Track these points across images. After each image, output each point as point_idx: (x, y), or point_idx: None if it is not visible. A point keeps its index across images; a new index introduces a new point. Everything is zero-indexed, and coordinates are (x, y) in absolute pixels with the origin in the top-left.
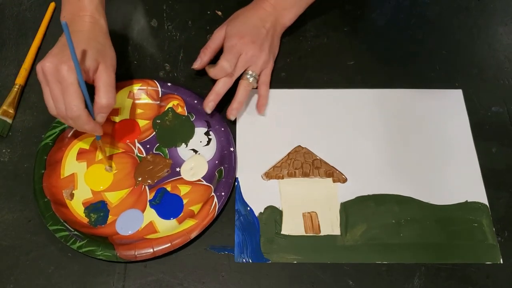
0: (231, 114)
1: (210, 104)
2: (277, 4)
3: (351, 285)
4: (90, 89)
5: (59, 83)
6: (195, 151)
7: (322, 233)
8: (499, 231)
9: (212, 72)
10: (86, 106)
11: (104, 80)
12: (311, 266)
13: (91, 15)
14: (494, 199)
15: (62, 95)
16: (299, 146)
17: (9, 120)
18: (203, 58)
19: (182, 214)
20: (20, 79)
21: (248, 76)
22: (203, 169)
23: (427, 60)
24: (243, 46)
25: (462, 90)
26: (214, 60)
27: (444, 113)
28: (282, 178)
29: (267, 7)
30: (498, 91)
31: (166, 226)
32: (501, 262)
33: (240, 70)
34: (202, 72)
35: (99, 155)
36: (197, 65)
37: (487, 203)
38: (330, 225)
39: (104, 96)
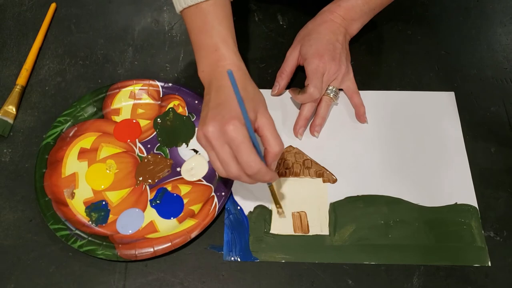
0: (315, 130)
1: (301, 130)
2: (346, 15)
3: (350, 284)
4: None
5: (226, 145)
6: (196, 151)
7: (310, 233)
8: (498, 230)
9: (300, 98)
10: None
11: (269, 127)
12: (311, 265)
13: (232, 63)
14: (492, 198)
15: (232, 156)
16: (290, 146)
17: (10, 120)
18: (280, 83)
19: (182, 213)
20: (21, 80)
21: (329, 91)
22: (203, 169)
23: (426, 60)
24: (325, 66)
25: (461, 90)
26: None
27: (436, 115)
28: None
29: (337, 19)
30: (497, 91)
31: (167, 226)
32: (489, 264)
33: (325, 89)
34: None
35: (100, 155)
36: (275, 91)
37: (476, 206)
38: (319, 225)
39: (275, 144)
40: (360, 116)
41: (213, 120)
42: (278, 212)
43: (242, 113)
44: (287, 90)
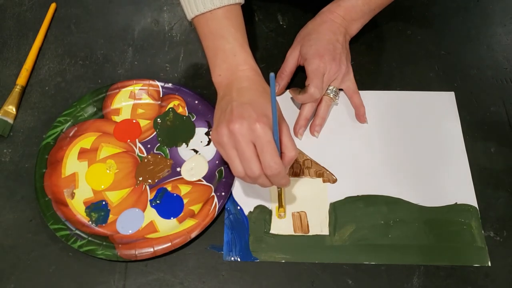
0: (315, 130)
1: (301, 130)
2: (346, 15)
3: (350, 284)
4: None
5: (252, 143)
6: (196, 151)
7: (310, 233)
8: (498, 230)
9: (301, 98)
10: None
11: (286, 132)
12: (311, 265)
13: (251, 68)
14: (493, 198)
15: (256, 155)
16: None
17: (10, 120)
18: (280, 83)
19: (182, 213)
20: (21, 80)
21: (329, 92)
22: (203, 169)
23: (426, 61)
24: (325, 66)
25: (461, 90)
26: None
27: (436, 115)
28: None
29: (337, 19)
30: (497, 91)
31: (167, 226)
32: (489, 264)
33: (325, 89)
34: (203, 73)
35: (100, 155)
36: (276, 91)
37: (476, 206)
38: (319, 225)
39: (292, 148)
40: (360, 117)
41: (241, 117)
42: (279, 215)
43: (273, 115)
44: (287, 90)
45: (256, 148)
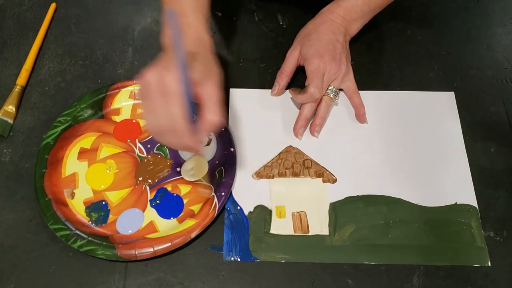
0: (315, 130)
1: (301, 130)
2: (346, 15)
3: (350, 284)
4: None
5: (161, 94)
6: None
7: (310, 233)
8: (498, 230)
9: (301, 98)
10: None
11: (214, 96)
12: (311, 265)
13: (195, 31)
14: (493, 198)
15: (163, 107)
16: (290, 146)
17: (10, 121)
18: (280, 83)
19: (182, 213)
20: (21, 80)
21: (329, 92)
22: (203, 169)
23: (426, 61)
24: (325, 66)
25: (461, 90)
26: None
27: (436, 115)
28: (273, 177)
29: (337, 19)
30: (497, 91)
31: (167, 226)
32: (489, 264)
33: (325, 89)
34: None
35: (100, 155)
36: (275, 91)
37: (476, 206)
38: (319, 225)
39: (214, 113)
40: (360, 117)
41: (156, 67)
42: (202, 192)
43: (180, 65)
44: (287, 90)
45: (165, 99)
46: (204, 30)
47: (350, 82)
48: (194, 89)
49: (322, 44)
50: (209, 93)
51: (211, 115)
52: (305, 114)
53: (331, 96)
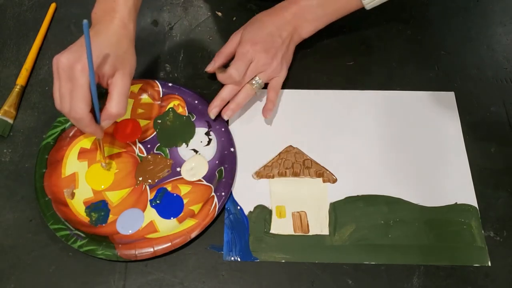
0: (225, 113)
1: (214, 110)
2: (298, 13)
3: (350, 284)
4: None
5: (70, 81)
6: (196, 151)
7: (310, 233)
8: (498, 230)
9: (221, 77)
10: (93, 108)
11: (119, 88)
12: (311, 265)
13: (120, 18)
14: (493, 198)
15: (69, 94)
16: (290, 146)
17: (10, 121)
18: (216, 62)
19: (182, 213)
20: (21, 80)
21: (254, 82)
22: (203, 169)
23: (426, 60)
24: (255, 54)
25: (461, 90)
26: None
27: (436, 115)
28: (273, 177)
29: (287, 15)
30: (497, 91)
31: (167, 226)
32: (489, 264)
33: (249, 77)
34: (203, 73)
35: (98, 154)
36: (210, 68)
37: (476, 206)
38: (319, 225)
39: (115, 105)
40: (265, 110)
41: (71, 53)
42: (101, 165)
43: (88, 61)
44: (282, 91)
45: (72, 87)
46: (129, 18)
47: (276, 81)
48: (104, 80)
49: (261, 33)
50: (116, 84)
51: (112, 108)
52: (223, 95)
53: (254, 86)
